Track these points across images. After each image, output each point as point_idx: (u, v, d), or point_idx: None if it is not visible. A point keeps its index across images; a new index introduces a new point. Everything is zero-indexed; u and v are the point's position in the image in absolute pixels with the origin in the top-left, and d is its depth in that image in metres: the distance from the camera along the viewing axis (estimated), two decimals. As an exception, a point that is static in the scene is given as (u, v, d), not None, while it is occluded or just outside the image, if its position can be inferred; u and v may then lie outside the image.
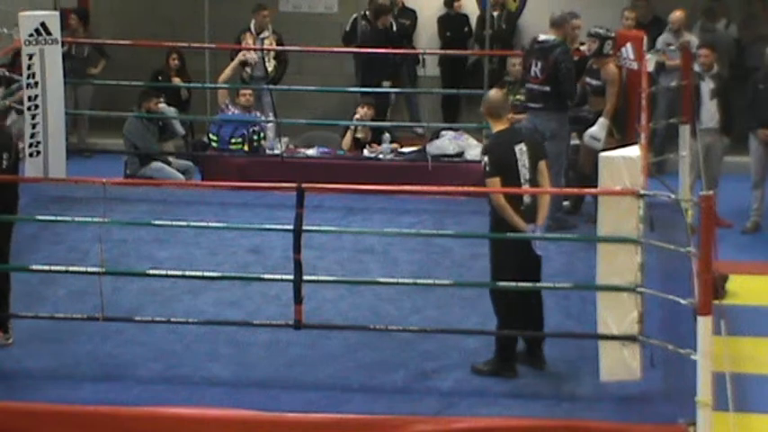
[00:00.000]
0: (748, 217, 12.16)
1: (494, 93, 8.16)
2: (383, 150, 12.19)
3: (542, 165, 7.84)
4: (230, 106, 12.46)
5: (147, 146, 12.25)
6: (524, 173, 7.74)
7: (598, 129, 10.28)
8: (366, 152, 12.26)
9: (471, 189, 10.91)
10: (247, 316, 8.45)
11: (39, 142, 11.02)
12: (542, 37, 10.51)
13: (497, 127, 7.94)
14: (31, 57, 10.88)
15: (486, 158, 7.82)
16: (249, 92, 12.48)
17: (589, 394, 7.53)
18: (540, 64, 10.40)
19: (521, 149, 7.76)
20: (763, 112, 11.96)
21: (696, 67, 11.67)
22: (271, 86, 11.96)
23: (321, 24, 15.70)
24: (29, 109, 10.94)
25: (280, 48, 13.66)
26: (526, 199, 7.73)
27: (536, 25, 14.74)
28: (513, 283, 7.71)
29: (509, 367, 7.75)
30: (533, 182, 7.78)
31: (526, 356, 7.84)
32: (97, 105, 14.66)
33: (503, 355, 7.77)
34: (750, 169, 12.18)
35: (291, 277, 7.56)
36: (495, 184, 7.76)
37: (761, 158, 12.08)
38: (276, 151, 12.14)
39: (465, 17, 15.48)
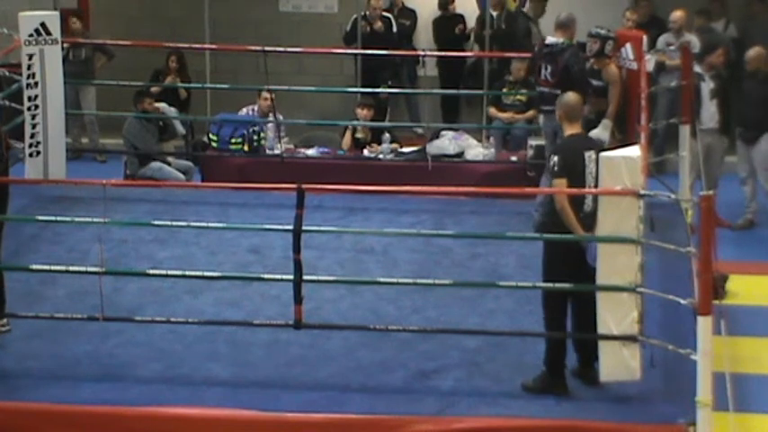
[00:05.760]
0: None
1: (570, 96, 7.98)
2: (383, 150, 12.19)
3: None
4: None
5: (146, 146, 12.25)
6: (590, 181, 7.55)
7: (601, 129, 10.28)
8: (366, 152, 12.26)
9: (471, 189, 10.97)
10: (247, 316, 8.45)
11: (39, 142, 11.04)
12: (550, 40, 10.50)
13: (570, 130, 7.77)
14: (31, 57, 10.89)
15: (555, 158, 7.60)
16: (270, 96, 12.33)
17: (589, 394, 7.53)
18: (550, 67, 10.38)
19: (590, 157, 7.57)
20: (745, 112, 12.10)
21: (696, 68, 11.69)
22: (271, 87, 11.94)
23: (321, 24, 15.71)
24: (29, 109, 10.95)
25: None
26: (586, 207, 7.54)
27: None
28: (513, 283, 7.70)
29: (559, 384, 7.58)
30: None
31: (579, 372, 7.69)
32: (98, 106, 14.66)
33: (552, 371, 7.60)
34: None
35: (291, 277, 7.56)
36: (561, 185, 7.55)
37: (744, 155, 12.21)
38: (276, 151, 12.14)
39: (460, 17, 15.47)
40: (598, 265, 7.42)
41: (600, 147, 7.98)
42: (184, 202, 10.85)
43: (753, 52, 12.23)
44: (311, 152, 12.26)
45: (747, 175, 12.26)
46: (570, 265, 7.55)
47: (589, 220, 7.52)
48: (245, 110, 12.67)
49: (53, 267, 8.37)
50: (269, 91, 12.20)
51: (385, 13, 14.97)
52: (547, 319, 7.69)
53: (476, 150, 12.14)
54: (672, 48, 13.04)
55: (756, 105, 12.00)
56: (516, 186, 11.08)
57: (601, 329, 7.43)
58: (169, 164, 12.35)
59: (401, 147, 12.36)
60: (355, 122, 12.44)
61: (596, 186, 7.54)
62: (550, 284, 7.66)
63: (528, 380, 7.61)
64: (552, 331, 7.66)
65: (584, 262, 7.52)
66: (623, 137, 10.15)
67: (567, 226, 7.48)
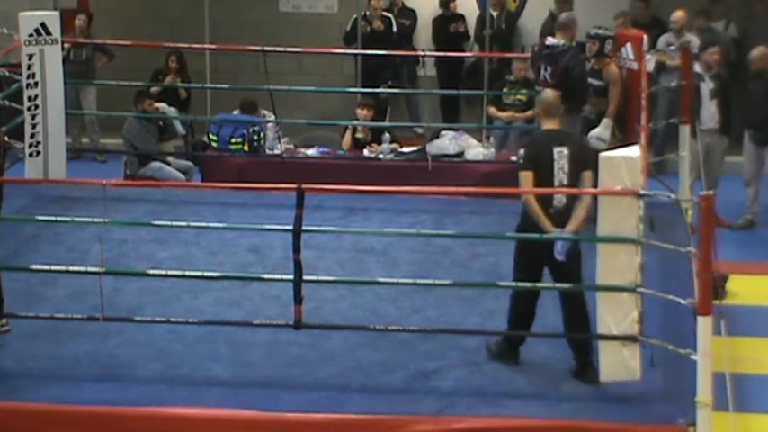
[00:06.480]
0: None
1: (548, 92, 8.15)
2: (383, 150, 12.19)
3: (586, 175, 7.68)
4: None
5: (146, 146, 12.25)
6: (561, 177, 7.63)
7: (602, 129, 10.27)
8: (366, 152, 12.26)
9: (471, 189, 10.96)
10: (247, 316, 8.44)
11: (39, 142, 11.03)
12: (551, 41, 10.48)
13: (546, 126, 7.90)
14: (31, 57, 10.89)
15: (521, 151, 7.78)
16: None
17: (589, 394, 7.53)
18: (549, 69, 10.37)
19: (560, 152, 7.65)
20: (753, 113, 12.10)
21: (696, 68, 11.69)
22: (271, 87, 11.93)
23: (321, 24, 15.71)
24: (29, 109, 10.95)
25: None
26: (557, 203, 7.63)
27: (536, 25, 14.80)
28: (512, 283, 7.72)
29: (512, 355, 7.85)
30: (571, 189, 7.65)
31: (577, 372, 7.72)
32: (98, 106, 14.67)
33: (509, 343, 7.88)
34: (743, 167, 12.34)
35: (291, 277, 7.56)
36: (525, 177, 7.69)
37: (752, 156, 12.19)
38: (276, 151, 12.14)
39: (461, 17, 15.47)
40: (598, 265, 7.43)
41: (579, 143, 7.99)
42: (184, 202, 10.85)
43: (757, 52, 12.19)
44: (311, 152, 12.25)
45: (751, 176, 12.24)
46: (538, 257, 7.67)
47: (560, 216, 7.59)
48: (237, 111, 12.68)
49: (53, 267, 8.37)
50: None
51: (385, 13, 14.98)
52: (512, 307, 7.86)
53: (476, 150, 12.14)
54: (672, 48, 13.03)
55: (763, 105, 11.97)
56: (516, 186, 11.05)
57: (601, 329, 7.45)
58: (169, 164, 12.35)
59: (401, 147, 12.35)
60: (355, 122, 12.44)
61: (568, 182, 7.62)
62: (550, 285, 7.71)
63: (491, 342, 7.89)
64: (515, 319, 7.82)
65: (550, 256, 7.62)
66: (623, 137, 10.15)
67: (535, 220, 7.58)
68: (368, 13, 14.87)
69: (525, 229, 7.73)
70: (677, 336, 7.66)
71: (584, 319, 7.64)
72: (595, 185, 7.71)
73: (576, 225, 7.61)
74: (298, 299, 7.56)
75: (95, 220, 8.02)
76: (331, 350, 8.08)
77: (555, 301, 8.19)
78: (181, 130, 13.15)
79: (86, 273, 8.00)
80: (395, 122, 14.45)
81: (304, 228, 7.50)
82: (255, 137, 12.17)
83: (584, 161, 7.76)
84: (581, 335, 7.67)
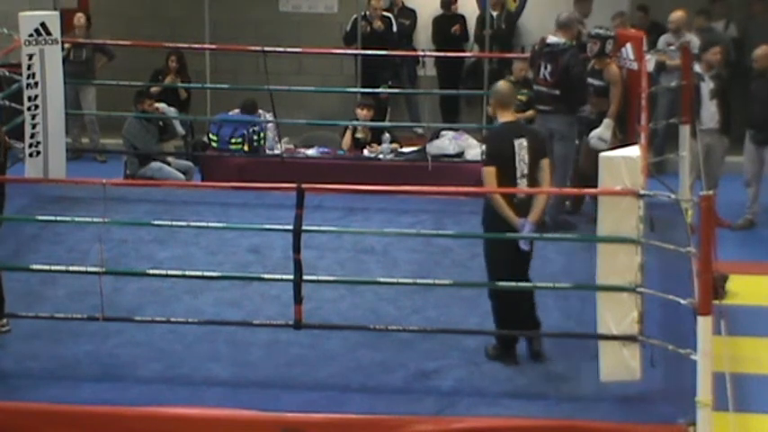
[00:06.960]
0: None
1: (502, 84, 8.23)
2: (383, 150, 12.19)
3: (544, 162, 7.89)
4: None
5: (146, 146, 12.25)
6: (522, 168, 7.79)
7: (603, 130, 10.27)
8: (366, 152, 12.25)
9: (471, 189, 10.95)
10: (247, 316, 8.44)
11: (39, 142, 11.04)
12: (552, 39, 10.48)
13: (503, 118, 8.00)
14: (31, 57, 10.89)
15: (483, 148, 7.82)
16: None
17: (589, 394, 7.53)
18: (549, 67, 10.38)
19: (520, 144, 7.80)
20: (755, 112, 12.08)
21: (696, 68, 11.68)
22: (271, 87, 11.93)
23: (321, 24, 15.72)
24: (29, 109, 10.95)
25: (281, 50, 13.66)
26: (520, 193, 7.76)
27: (536, 25, 14.80)
28: (513, 284, 7.73)
29: (509, 355, 7.90)
30: (531, 178, 7.82)
31: (528, 353, 7.88)
32: (98, 106, 14.67)
33: (503, 345, 7.94)
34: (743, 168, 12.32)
35: (291, 277, 7.56)
36: (489, 173, 7.84)
37: (753, 156, 12.18)
38: (276, 151, 12.14)
39: (461, 18, 15.46)
40: (598, 265, 7.44)
41: (535, 132, 8.17)
42: (184, 202, 10.85)
43: (761, 51, 12.15)
44: (311, 152, 12.25)
45: (751, 176, 12.22)
46: (507, 249, 7.80)
47: (523, 206, 7.75)
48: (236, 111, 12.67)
49: (53, 267, 8.37)
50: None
51: (385, 13, 14.98)
52: (494, 308, 7.97)
53: (476, 150, 12.11)
54: (672, 48, 13.03)
55: (765, 105, 11.94)
56: (516, 186, 11.06)
57: (601, 329, 7.45)
58: (169, 164, 12.35)
59: (401, 147, 12.36)
60: (355, 122, 12.44)
61: (528, 172, 7.77)
62: (550, 285, 7.73)
63: (489, 346, 7.95)
64: (502, 320, 7.91)
65: (517, 247, 7.72)
66: (624, 137, 10.15)
67: (499, 213, 7.72)
68: (368, 13, 14.88)
69: (490, 222, 7.87)
70: (677, 336, 7.66)
71: (522, 307, 7.88)
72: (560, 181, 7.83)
73: (537, 214, 7.79)
74: (298, 299, 7.57)
75: (95, 220, 8.02)
76: (331, 350, 8.08)
77: (556, 300, 8.22)
78: (181, 130, 13.15)
79: (86, 273, 8.01)
80: (395, 122, 14.45)
81: (304, 228, 7.50)
82: (255, 137, 12.17)
83: (542, 149, 7.99)
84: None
